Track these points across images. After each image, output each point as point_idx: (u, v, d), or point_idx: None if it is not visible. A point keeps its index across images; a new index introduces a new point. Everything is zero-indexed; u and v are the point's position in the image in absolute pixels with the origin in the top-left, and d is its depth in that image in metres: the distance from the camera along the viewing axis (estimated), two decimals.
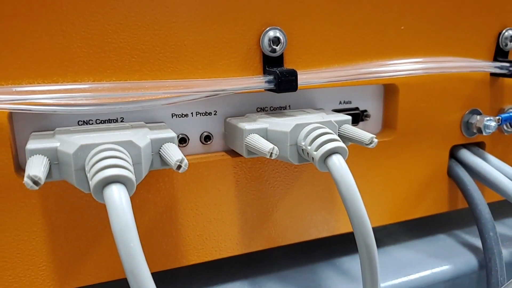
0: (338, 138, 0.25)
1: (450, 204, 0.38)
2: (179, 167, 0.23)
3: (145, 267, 0.19)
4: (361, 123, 0.34)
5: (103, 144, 0.22)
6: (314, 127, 0.26)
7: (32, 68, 0.24)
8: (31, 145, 0.22)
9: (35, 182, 0.20)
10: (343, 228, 0.34)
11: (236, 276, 0.33)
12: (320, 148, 0.25)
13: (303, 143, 0.26)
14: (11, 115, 0.24)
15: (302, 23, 0.29)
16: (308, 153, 0.25)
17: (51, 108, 0.24)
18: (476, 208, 0.35)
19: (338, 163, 0.24)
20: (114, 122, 0.27)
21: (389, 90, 0.34)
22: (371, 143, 0.26)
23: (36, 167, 0.21)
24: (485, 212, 0.34)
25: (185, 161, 0.23)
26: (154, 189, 0.27)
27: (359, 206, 0.24)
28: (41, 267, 0.26)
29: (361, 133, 0.27)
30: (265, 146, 0.25)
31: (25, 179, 0.20)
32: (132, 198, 0.21)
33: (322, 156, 0.25)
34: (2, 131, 0.24)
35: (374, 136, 0.26)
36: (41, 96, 0.23)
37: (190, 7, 0.26)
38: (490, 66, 0.35)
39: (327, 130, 0.26)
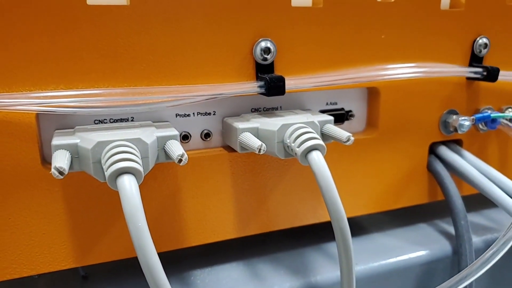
0: (317, 136, 0.29)
1: (429, 196, 0.41)
2: (180, 160, 0.26)
3: (151, 243, 0.23)
4: (346, 122, 0.37)
5: (116, 141, 0.25)
6: (297, 127, 0.29)
7: (57, 76, 0.27)
8: (56, 141, 0.26)
9: (60, 173, 0.24)
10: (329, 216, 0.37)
11: (232, 258, 0.36)
12: (302, 145, 0.28)
13: (288, 141, 0.29)
14: (38, 116, 0.28)
15: (290, 34, 0.32)
16: (292, 149, 0.29)
17: (72, 110, 0.27)
18: (451, 200, 0.38)
19: (316, 158, 0.28)
20: (125, 121, 0.30)
21: (372, 93, 0.37)
22: (348, 140, 0.30)
23: (61, 160, 0.24)
24: (458, 203, 0.38)
25: (185, 155, 0.26)
26: (160, 179, 0.31)
27: (334, 194, 0.27)
28: (62, 245, 0.30)
29: (340, 132, 0.30)
30: (254, 143, 0.28)
31: (52, 170, 0.24)
32: (140, 187, 0.24)
33: (303, 152, 0.28)
34: (31, 129, 0.27)
35: (351, 135, 0.30)
36: (63, 100, 0.26)
37: (192, 22, 0.29)
38: (466, 71, 0.38)
39: (309, 129, 0.29)
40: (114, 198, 0.30)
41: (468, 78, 0.39)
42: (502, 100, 0.41)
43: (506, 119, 0.40)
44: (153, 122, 0.31)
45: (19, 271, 0.29)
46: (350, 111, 0.37)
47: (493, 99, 0.41)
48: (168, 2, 0.28)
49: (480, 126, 0.41)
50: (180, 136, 0.32)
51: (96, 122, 0.30)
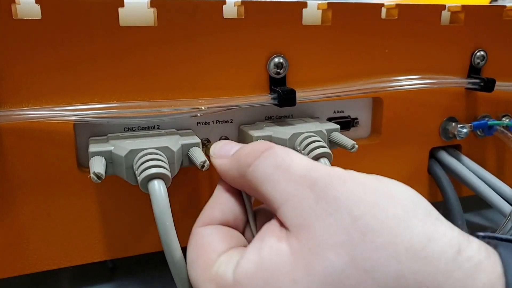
0: (325, 145, 0.32)
1: (430, 196, 0.44)
2: (202, 166, 0.29)
3: (176, 240, 0.26)
4: (352, 129, 0.40)
5: (147, 149, 0.28)
6: (307, 136, 0.32)
7: (92, 90, 0.30)
8: (92, 148, 0.29)
9: (99, 177, 0.27)
10: None
11: None
12: (311, 153, 0.31)
13: (298, 148, 0.32)
14: (74, 125, 0.31)
15: (300, 51, 0.35)
16: None
17: (105, 120, 0.30)
18: (449, 201, 0.41)
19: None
20: (152, 129, 0.33)
21: (376, 102, 0.40)
22: (352, 148, 0.33)
23: (98, 166, 0.27)
24: (456, 204, 0.40)
25: (207, 162, 0.29)
26: (183, 182, 0.34)
27: None
28: (94, 240, 0.33)
29: (346, 140, 0.33)
30: None
31: (91, 175, 0.27)
32: (168, 189, 0.27)
33: (313, 159, 0.31)
34: (69, 136, 0.31)
35: (355, 143, 0.33)
36: (97, 111, 0.30)
37: (213, 40, 0.32)
38: (464, 82, 0.41)
39: (318, 138, 0.32)
40: (141, 198, 0.33)
41: (467, 88, 0.42)
42: (499, 108, 0.44)
43: (502, 126, 0.42)
44: (177, 129, 0.33)
45: (57, 262, 0.33)
46: (356, 118, 0.40)
47: (490, 108, 0.44)
48: (192, 23, 0.31)
49: (478, 132, 0.43)
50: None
51: (125, 129, 0.33)
